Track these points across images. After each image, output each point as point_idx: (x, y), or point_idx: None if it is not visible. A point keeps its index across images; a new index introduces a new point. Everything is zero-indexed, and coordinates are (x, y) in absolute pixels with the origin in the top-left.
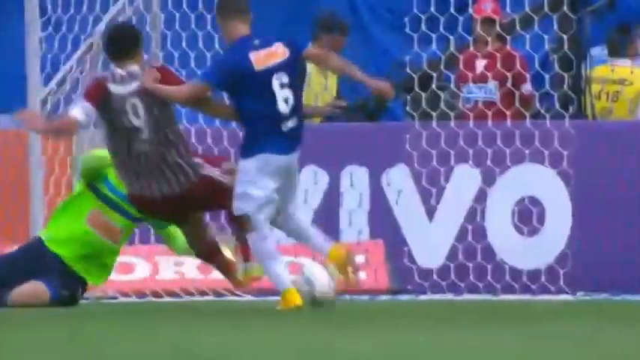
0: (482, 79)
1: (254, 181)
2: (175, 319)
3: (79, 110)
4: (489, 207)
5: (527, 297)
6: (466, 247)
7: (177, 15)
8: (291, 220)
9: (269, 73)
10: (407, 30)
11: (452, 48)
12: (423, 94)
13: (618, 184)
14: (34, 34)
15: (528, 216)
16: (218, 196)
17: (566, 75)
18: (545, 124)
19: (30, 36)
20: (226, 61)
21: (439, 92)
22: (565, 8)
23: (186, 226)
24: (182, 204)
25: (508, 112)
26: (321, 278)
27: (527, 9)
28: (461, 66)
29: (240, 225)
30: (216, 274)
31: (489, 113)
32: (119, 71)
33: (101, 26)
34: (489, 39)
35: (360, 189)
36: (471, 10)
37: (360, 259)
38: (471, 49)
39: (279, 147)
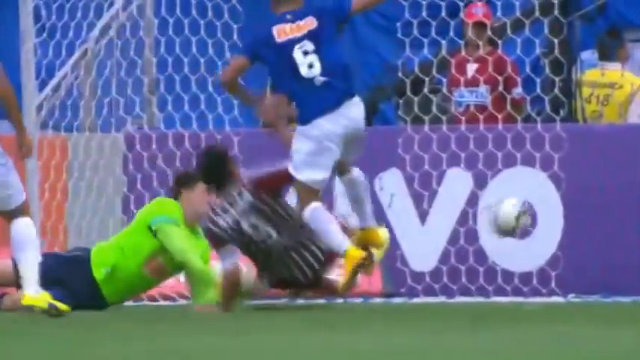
0: (473, 83)
1: (314, 153)
2: (175, 323)
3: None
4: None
5: (519, 299)
6: (458, 250)
7: (171, 20)
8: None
9: (290, 44)
10: (399, 34)
11: (443, 52)
12: (415, 98)
13: (609, 187)
14: (29, 42)
15: None
16: None
17: (556, 79)
18: (537, 128)
19: (25, 43)
20: (253, 34)
21: (431, 96)
22: (556, 12)
23: None
24: None
25: (499, 116)
26: None
27: (517, 13)
28: (452, 70)
29: None
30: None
31: (481, 117)
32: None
33: (95, 32)
34: (480, 43)
35: None
36: (462, 15)
37: None
38: (463, 53)
39: (321, 107)
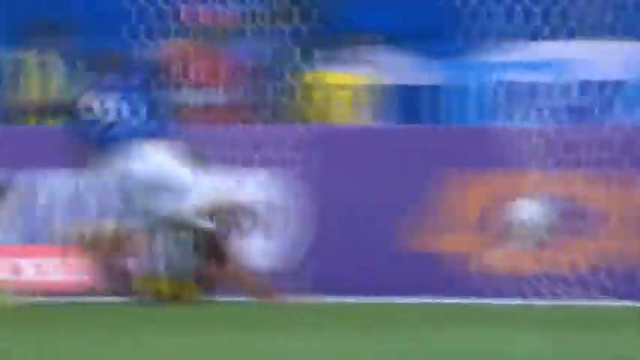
0: (202, 83)
1: None
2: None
3: None
4: None
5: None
6: None
7: None
8: None
9: None
10: None
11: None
12: None
13: (357, 191)
14: None
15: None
16: None
17: (284, 81)
18: (275, 129)
19: None
20: None
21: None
22: (283, 17)
23: None
24: None
25: (234, 118)
26: None
27: (240, 16)
28: (180, 70)
29: None
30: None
31: (215, 118)
32: None
33: None
34: (206, 44)
35: None
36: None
37: None
38: (190, 54)
39: None
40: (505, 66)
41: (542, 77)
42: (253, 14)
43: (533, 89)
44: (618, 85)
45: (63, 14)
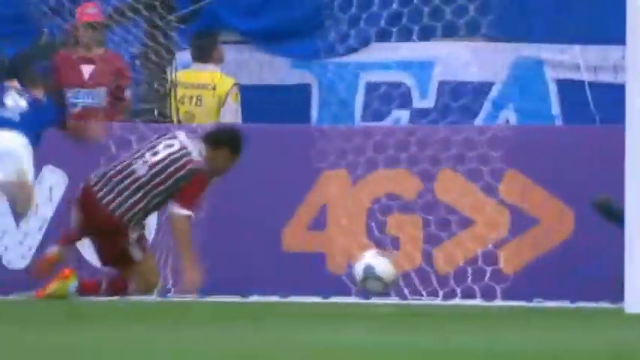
0: (89, 85)
1: None
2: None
3: None
4: None
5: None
6: None
7: None
8: None
9: None
10: None
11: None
12: None
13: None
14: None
15: None
16: None
17: (154, 79)
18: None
19: None
20: None
21: None
22: (152, 12)
23: None
24: None
25: (116, 119)
26: None
27: (113, 12)
28: (68, 71)
29: None
30: None
31: (98, 119)
32: None
33: None
34: (94, 43)
35: None
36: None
37: None
38: (77, 54)
39: None
40: (372, 66)
41: (409, 78)
42: (117, 10)
43: (399, 89)
44: (485, 86)
45: None
